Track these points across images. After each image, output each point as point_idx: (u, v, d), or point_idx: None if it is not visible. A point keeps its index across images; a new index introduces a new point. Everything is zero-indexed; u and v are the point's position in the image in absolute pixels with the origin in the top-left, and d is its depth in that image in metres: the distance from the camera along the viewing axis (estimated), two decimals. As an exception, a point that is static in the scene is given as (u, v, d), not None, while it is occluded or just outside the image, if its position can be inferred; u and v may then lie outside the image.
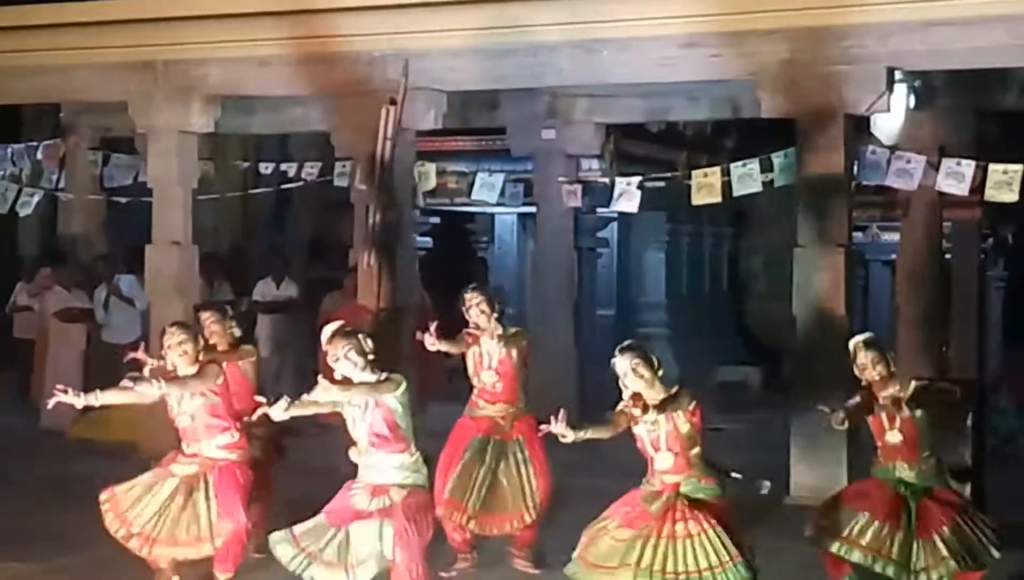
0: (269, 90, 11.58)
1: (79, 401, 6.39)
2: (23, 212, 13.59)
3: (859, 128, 10.22)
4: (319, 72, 10.91)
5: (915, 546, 6.60)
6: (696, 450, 6.14)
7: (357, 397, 6.05)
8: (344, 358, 6.09)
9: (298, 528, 6.12)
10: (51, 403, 6.59)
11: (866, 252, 17.25)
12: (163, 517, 6.74)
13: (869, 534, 6.62)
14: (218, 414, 6.82)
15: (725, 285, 17.29)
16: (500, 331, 7.52)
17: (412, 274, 11.33)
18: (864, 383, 6.81)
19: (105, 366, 12.52)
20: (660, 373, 6.17)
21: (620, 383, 6.15)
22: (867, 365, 6.78)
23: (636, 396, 6.12)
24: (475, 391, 7.67)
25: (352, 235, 12.36)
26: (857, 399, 6.75)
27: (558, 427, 5.81)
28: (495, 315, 7.54)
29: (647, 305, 16.45)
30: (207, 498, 6.75)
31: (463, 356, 7.67)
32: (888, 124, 11.10)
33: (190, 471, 6.82)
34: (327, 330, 6.30)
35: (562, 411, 5.87)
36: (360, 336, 6.19)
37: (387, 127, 10.75)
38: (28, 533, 8.25)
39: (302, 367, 13.79)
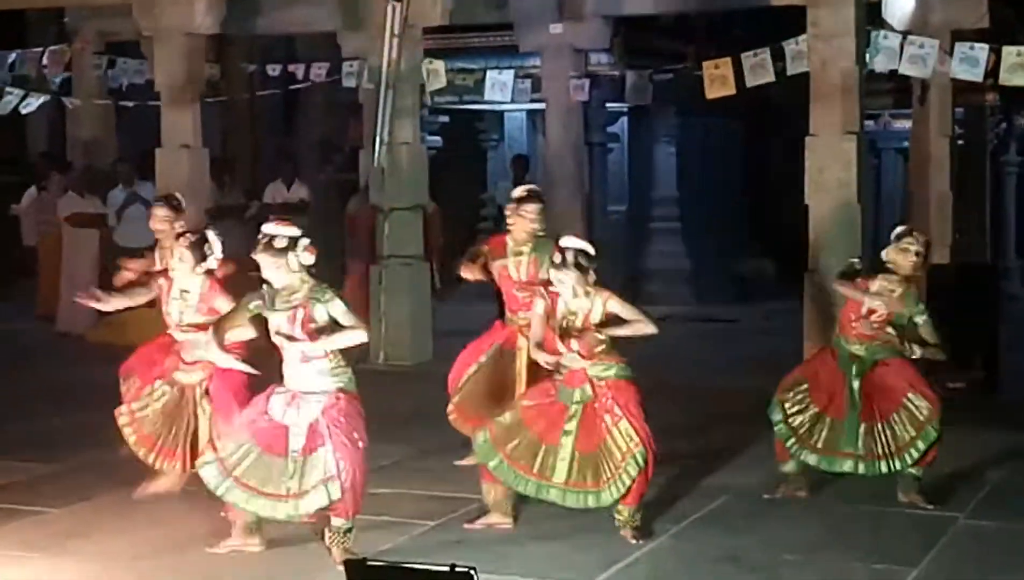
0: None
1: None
2: (25, 110, 13.58)
3: (871, 14, 10.11)
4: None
5: (860, 432, 6.71)
6: (601, 347, 6.16)
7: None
8: (275, 267, 5.80)
9: (237, 467, 5.81)
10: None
11: (878, 140, 17.18)
12: (175, 430, 6.76)
13: (815, 429, 6.75)
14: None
15: (737, 177, 17.23)
16: (532, 241, 7.18)
17: (422, 173, 11.30)
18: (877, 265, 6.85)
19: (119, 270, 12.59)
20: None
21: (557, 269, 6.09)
22: (911, 253, 6.73)
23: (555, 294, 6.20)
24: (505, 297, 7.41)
25: (362, 135, 12.31)
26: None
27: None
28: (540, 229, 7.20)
29: (659, 199, 16.41)
30: (204, 408, 6.74)
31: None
32: (900, 9, 10.97)
33: (195, 379, 6.78)
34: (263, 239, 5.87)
35: None
36: (293, 250, 5.79)
37: (393, 24, 10.68)
38: (49, 434, 8.38)
39: (316, 266, 13.88)
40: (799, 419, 6.79)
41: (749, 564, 5.84)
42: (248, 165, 15.18)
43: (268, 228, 5.93)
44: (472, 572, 3.52)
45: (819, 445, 6.75)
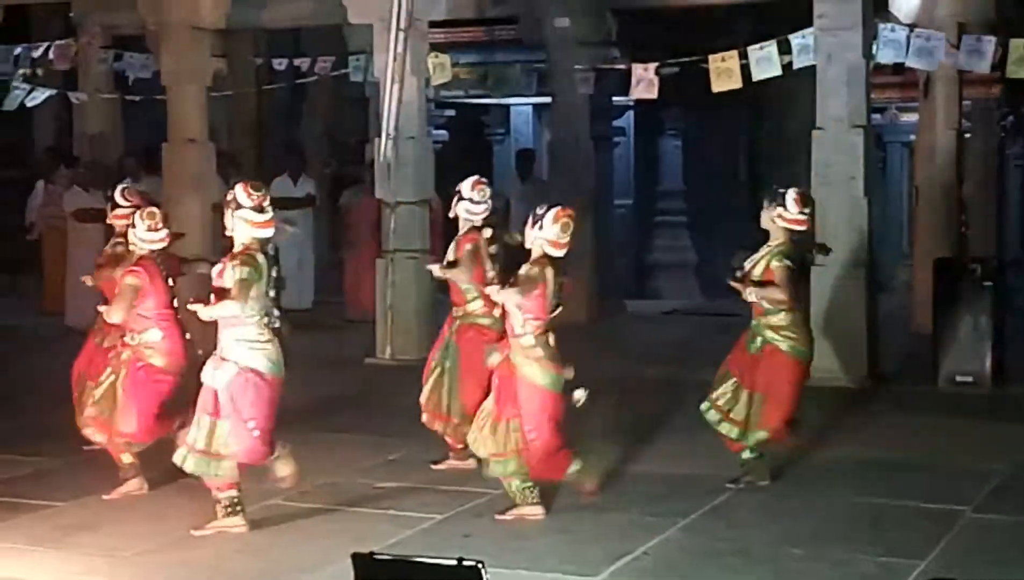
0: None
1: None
2: (31, 104, 13.61)
3: (878, 6, 10.09)
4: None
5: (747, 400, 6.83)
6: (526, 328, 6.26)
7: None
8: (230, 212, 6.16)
9: (194, 437, 6.16)
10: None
11: (884, 133, 17.14)
12: (105, 404, 6.93)
13: (731, 400, 6.86)
14: (146, 309, 6.84)
15: (743, 171, 17.20)
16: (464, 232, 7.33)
17: (428, 167, 11.30)
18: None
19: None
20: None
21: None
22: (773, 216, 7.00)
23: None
24: None
25: (367, 129, 12.29)
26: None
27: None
28: (456, 215, 7.32)
29: (665, 193, 16.40)
30: (120, 385, 6.87)
31: None
32: (906, 2, 10.94)
33: (123, 359, 6.90)
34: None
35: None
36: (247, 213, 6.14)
37: (399, 18, 10.67)
38: (57, 430, 8.34)
39: (321, 261, 13.90)
40: (731, 406, 6.86)
41: (757, 557, 5.84)
42: (254, 159, 15.18)
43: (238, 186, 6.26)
44: (480, 566, 3.51)
45: (732, 414, 6.86)
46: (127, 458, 6.95)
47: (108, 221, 7.55)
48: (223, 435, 6.13)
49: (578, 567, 5.70)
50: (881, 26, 10.05)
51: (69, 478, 7.24)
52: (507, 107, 16.60)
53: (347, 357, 10.88)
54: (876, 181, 11.16)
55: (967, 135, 13.44)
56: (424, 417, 7.42)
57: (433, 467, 7.40)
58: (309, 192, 13.33)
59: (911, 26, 10.41)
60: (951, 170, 12.00)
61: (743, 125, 16.91)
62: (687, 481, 7.04)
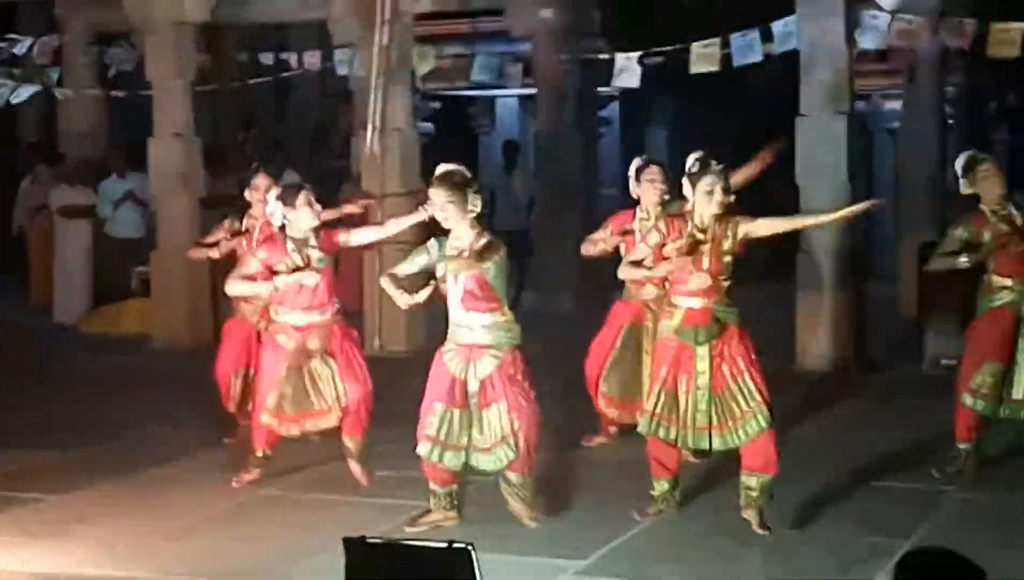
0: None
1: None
2: (15, 100, 13.58)
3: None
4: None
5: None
6: (728, 282, 6.06)
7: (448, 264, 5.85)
8: (443, 207, 5.90)
9: (428, 426, 5.98)
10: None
11: (868, 121, 17.20)
12: (294, 394, 6.69)
13: (991, 381, 6.59)
14: (331, 280, 6.82)
15: (728, 160, 17.24)
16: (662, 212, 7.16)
17: (414, 159, 11.32)
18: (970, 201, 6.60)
19: (112, 261, 12.64)
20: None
21: (691, 194, 6.13)
22: (990, 177, 6.52)
23: (673, 219, 6.15)
24: None
25: (352, 123, 12.23)
26: (961, 231, 6.61)
27: None
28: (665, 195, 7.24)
29: (651, 183, 16.42)
30: (327, 365, 6.69)
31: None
32: (888, -12, 10.97)
33: (312, 346, 6.71)
34: (439, 170, 6.00)
35: None
36: (469, 190, 5.92)
37: (384, 11, 10.70)
38: (49, 424, 8.39)
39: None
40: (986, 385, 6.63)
41: (747, 539, 5.88)
42: (240, 154, 15.17)
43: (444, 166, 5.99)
44: (470, 548, 3.54)
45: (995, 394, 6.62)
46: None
47: (263, 195, 7.35)
48: (495, 421, 5.90)
49: (568, 551, 5.74)
50: (863, 12, 10.10)
51: (61, 472, 7.25)
52: (492, 99, 16.63)
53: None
54: (861, 168, 11.20)
55: (951, 121, 13.51)
56: (604, 404, 7.40)
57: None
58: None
59: (893, 12, 10.46)
60: (936, 157, 12.06)
61: (729, 114, 16.94)
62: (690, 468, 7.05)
